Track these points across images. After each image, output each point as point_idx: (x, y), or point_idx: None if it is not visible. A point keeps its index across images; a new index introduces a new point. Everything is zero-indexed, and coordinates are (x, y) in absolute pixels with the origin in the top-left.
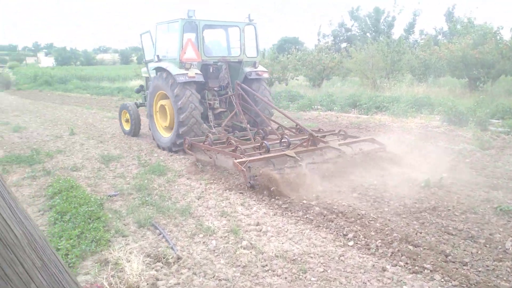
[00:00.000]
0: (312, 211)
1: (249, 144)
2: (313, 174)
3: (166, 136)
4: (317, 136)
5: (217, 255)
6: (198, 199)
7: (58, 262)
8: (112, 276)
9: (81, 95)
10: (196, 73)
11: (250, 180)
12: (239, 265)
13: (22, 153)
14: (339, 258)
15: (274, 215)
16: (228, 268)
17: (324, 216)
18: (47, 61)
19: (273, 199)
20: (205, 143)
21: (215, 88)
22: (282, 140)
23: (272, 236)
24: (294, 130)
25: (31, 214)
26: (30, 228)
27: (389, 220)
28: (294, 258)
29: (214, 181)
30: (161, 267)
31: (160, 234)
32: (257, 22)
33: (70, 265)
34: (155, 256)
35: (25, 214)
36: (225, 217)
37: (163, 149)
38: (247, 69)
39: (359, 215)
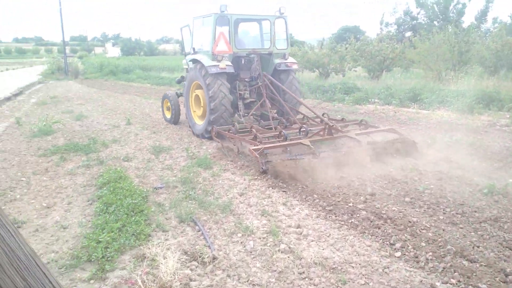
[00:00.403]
0: (358, 215)
1: (269, 133)
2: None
3: (200, 123)
4: (333, 125)
5: (253, 258)
6: (240, 196)
7: (48, 282)
8: (146, 273)
9: (141, 85)
10: (227, 65)
11: (263, 165)
12: (275, 270)
13: (81, 142)
14: (383, 270)
15: (317, 217)
16: (263, 272)
17: (371, 221)
18: (114, 51)
19: (316, 200)
20: (230, 131)
21: (246, 79)
22: (301, 130)
23: (312, 241)
24: (318, 121)
25: (81, 204)
26: (14, 245)
27: (443, 230)
28: (334, 266)
29: (258, 178)
30: (196, 267)
31: (199, 231)
32: (287, 15)
33: (108, 259)
34: (192, 254)
35: (11, 229)
36: (266, 217)
37: (197, 136)
38: (277, 61)
39: (410, 222)
